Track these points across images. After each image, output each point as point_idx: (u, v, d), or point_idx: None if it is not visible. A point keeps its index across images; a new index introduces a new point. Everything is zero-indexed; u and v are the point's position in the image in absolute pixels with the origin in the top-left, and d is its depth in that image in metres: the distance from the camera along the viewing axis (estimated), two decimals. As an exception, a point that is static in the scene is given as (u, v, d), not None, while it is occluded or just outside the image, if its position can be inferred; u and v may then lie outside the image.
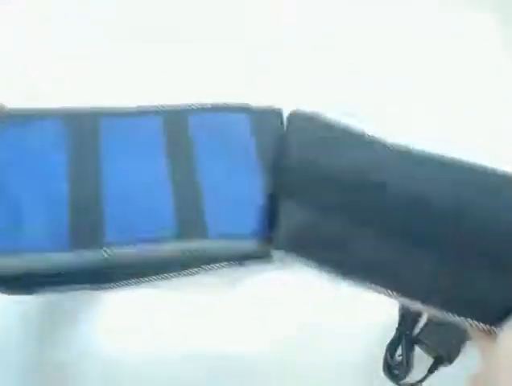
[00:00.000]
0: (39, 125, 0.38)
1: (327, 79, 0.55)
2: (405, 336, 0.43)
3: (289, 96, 0.49)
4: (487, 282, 0.34)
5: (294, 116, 0.40)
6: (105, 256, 0.35)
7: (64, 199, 0.36)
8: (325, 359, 0.45)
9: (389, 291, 0.35)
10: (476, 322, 0.33)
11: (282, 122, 0.42)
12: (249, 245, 0.38)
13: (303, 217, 0.37)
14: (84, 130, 0.38)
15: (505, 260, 0.34)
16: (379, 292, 0.35)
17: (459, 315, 0.34)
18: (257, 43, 0.56)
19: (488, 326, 0.33)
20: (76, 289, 0.43)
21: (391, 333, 0.44)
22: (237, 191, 0.38)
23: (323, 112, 0.40)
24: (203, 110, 0.41)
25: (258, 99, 0.44)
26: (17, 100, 0.39)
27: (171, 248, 0.36)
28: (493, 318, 0.33)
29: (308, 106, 0.41)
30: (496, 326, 0.32)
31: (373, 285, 0.35)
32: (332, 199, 0.37)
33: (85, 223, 0.36)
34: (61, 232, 0.35)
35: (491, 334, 0.33)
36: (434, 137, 0.53)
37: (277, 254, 0.37)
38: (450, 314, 0.34)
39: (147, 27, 0.56)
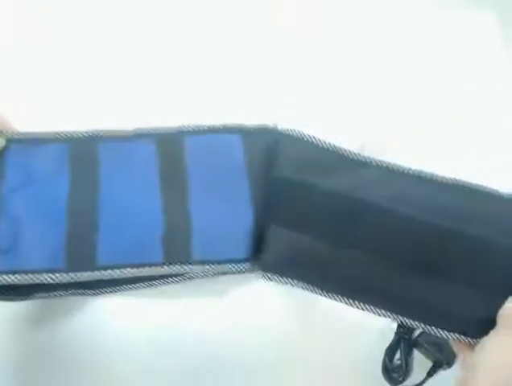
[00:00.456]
0: (42, 150, 0.40)
1: (326, 80, 0.55)
2: (404, 340, 0.43)
3: (286, 106, 0.50)
4: (470, 300, 0.36)
5: (282, 137, 0.40)
6: (97, 276, 0.37)
7: (62, 224, 0.38)
8: (324, 362, 0.45)
9: (375, 308, 0.36)
10: (458, 336, 0.36)
11: (276, 141, 0.41)
12: (234, 268, 0.39)
13: (290, 240, 0.38)
14: (83, 156, 0.40)
15: (487, 280, 0.36)
16: (366, 309, 0.37)
17: (443, 330, 0.36)
18: (255, 56, 0.56)
19: (469, 339, 0.35)
20: (69, 295, 0.44)
21: (390, 336, 0.44)
22: (226, 219, 0.40)
23: (313, 132, 0.40)
24: (199, 132, 0.42)
25: (256, 110, 0.44)
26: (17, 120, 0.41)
27: (156, 271, 0.38)
28: (474, 332, 0.35)
29: (304, 119, 0.42)
30: (476, 339, 0.35)
31: (356, 303, 0.37)
32: (318, 222, 0.38)
33: (81, 248, 0.38)
34: (58, 255, 0.37)
35: (471, 346, 0.35)
36: (433, 139, 0.53)
37: (265, 276, 0.37)
38: (434, 329, 0.36)
39: (142, 39, 0.56)
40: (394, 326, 0.44)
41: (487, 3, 0.60)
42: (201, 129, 0.42)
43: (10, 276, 0.36)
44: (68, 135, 0.41)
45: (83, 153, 0.40)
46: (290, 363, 0.45)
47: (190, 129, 0.42)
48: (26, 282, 0.36)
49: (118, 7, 0.57)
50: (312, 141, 0.40)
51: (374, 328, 0.45)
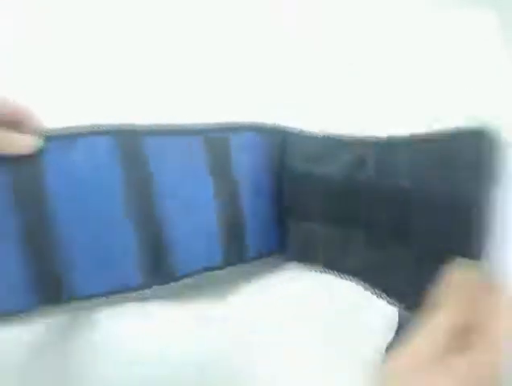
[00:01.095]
0: (85, 146, 0.36)
1: (326, 80, 0.55)
2: (403, 339, 0.43)
3: (285, 107, 0.49)
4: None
5: (290, 136, 0.42)
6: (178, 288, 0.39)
7: (129, 235, 0.36)
8: (324, 362, 0.45)
9: (377, 290, 0.39)
10: None
11: (285, 140, 0.42)
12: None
13: (306, 230, 0.40)
14: (130, 150, 0.37)
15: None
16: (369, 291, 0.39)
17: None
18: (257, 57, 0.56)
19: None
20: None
21: (389, 336, 0.44)
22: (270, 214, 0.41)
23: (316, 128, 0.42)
24: (242, 129, 0.41)
25: (254, 111, 0.44)
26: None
27: (217, 274, 0.40)
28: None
29: (303, 120, 0.42)
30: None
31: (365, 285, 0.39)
32: (325, 208, 0.40)
33: (159, 258, 0.37)
34: (134, 272, 0.37)
35: None
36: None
37: (289, 265, 0.41)
38: None
39: (143, 38, 0.56)
40: (394, 325, 0.44)
41: (487, 3, 0.60)
42: (245, 125, 0.41)
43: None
44: (109, 127, 0.37)
45: (129, 146, 0.37)
46: (290, 364, 0.45)
47: (236, 125, 0.41)
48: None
49: (120, 6, 0.57)
50: (315, 136, 0.42)
51: (374, 328, 0.45)
